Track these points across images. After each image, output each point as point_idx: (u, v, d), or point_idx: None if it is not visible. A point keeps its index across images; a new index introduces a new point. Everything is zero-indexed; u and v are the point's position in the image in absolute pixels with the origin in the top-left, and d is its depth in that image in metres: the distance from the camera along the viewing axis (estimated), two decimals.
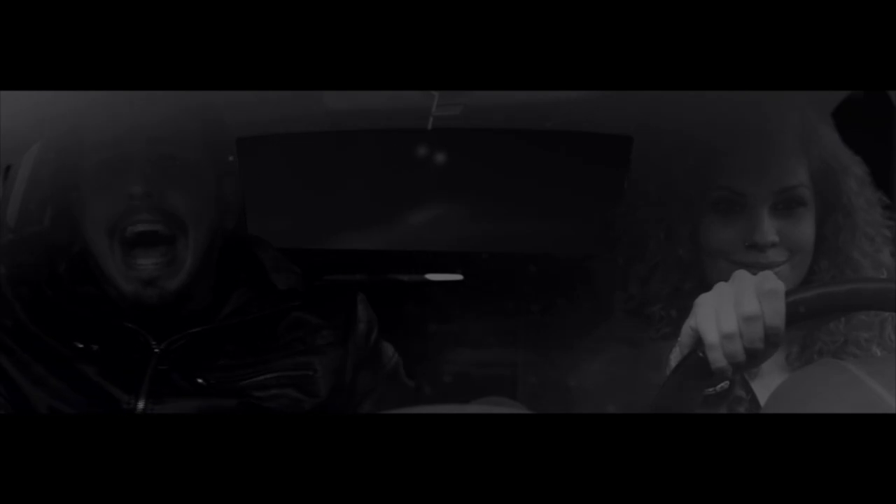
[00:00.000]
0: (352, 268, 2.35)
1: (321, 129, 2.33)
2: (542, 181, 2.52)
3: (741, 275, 1.14)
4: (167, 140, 1.49)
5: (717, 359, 1.10)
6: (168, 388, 1.48)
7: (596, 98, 1.93)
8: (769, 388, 1.09)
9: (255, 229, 1.82)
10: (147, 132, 1.48)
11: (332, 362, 1.55)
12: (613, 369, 1.39)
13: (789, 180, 1.43)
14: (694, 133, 1.47)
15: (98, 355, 1.50)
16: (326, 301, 1.60)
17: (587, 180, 2.38)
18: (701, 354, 1.11)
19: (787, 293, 1.11)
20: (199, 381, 1.49)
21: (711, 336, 1.10)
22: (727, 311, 1.10)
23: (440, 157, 2.53)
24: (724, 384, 1.15)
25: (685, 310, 1.17)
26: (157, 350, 1.50)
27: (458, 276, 2.38)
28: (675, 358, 1.16)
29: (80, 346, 1.50)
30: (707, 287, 1.16)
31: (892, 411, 0.86)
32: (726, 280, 1.14)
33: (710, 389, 1.15)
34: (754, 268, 1.23)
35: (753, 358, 1.11)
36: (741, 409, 1.36)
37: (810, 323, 1.32)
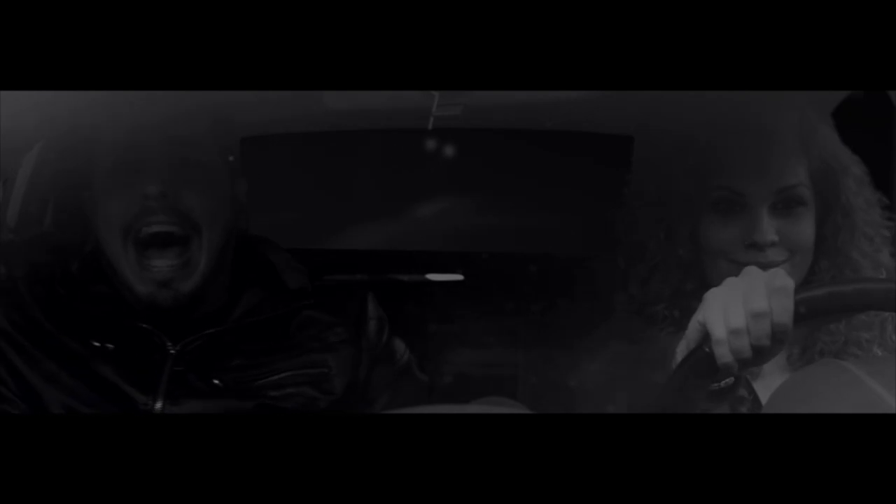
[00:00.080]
0: (352, 268, 2.35)
1: (321, 129, 2.33)
2: (542, 181, 2.51)
3: (751, 271, 1.14)
4: (182, 140, 1.50)
5: (723, 354, 1.09)
6: (185, 388, 1.48)
7: (596, 98, 1.93)
8: (771, 388, 1.09)
9: (255, 229, 1.82)
10: (161, 132, 1.48)
11: (346, 359, 1.56)
12: (614, 369, 1.39)
13: (789, 179, 1.43)
14: (694, 133, 1.47)
15: (113, 355, 1.50)
16: (337, 299, 1.61)
17: (587, 180, 2.38)
18: (707, 350, 1.11)
19: (796, 291, 1.11)
20: (216, 381, 1.49)
21: (719, 331, 1.10)
22: (736, 307, 1.10)
23: (440, 158, 2.53)
24: (729, 380, 1.15)
25: (688, 310, 1.17)
26: (172, 351, 1.50)
27: (458, 276, 2.38)
28: (681, 352, 1.16)
29: (97, 344, 1.50)
30: (708, 287, 1.16)
31: (892, 411, 0.86)
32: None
33: (715, 385, 1.15)
34: None
35: (760, 355, 1.10)
36: (743, 409, 1.36)
37: (813, 323, 1.32)
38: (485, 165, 2.56)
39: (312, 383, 1.53)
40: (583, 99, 1.94)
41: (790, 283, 1.11)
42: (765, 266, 1.22)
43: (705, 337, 1.11)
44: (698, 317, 1.13)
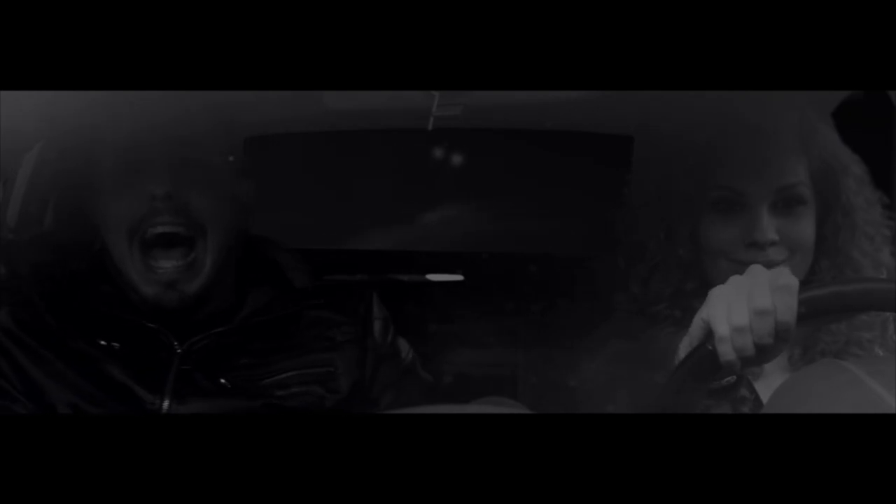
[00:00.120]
0: (352, 268, 2.35)
1: (321, 129, 2.33)
2: (542, 181, 2.52)
3: (756, 269, 1.14)
4: (186, 141, 1.49)
5: (726, 352, 1.09)
6: (192, 387, 1.48)
7: (596, 98, 1.93)
8: (772, 388, 1.08)
9: (255, 229, 1.82)
10: (165, 133, 1.48)
11: (352, 359, 1.56)
12: (614, 369, 1.39)
13: (789, 178, 1.43)
14: (694, 133, 1.47)
15: (120, 353, 1.50)
16: (343, 299, 1.61)
17: (587, 180, 2.38)
18: (710, 347, 1.11)
19: (800, 290, 1.11)
20: (223, 381, 1.49)
21: (722, 328, 1.10)
22: (740, 305, 1.10)
23: (440, 158, 2.53)
24: (731, 378, 1.15)
25: (688, 309, 1.17)
26: (179, 350, 1.50)
27: (458, 277, 2.38)
28: (684, 349, 1.16)
29: (103, 343, 1.50)
30: (709, 286, 1.16)
31: (892, 411, 0.86)
32: (727, 279, 1.14)
33: (717, 383, 1.15)
34: None
35: (762, 353, 1.10)
36: (745, 409, 1.36)
37: (814, 323, 1.32)
38: (485, 165, 2.57)
39: (319, 382, 1.53)
40: (583, 99, 1.95)
41: (794, 282, 1.11)
42: (765, 265, 1.22)
43: (708, 334, 1.11)
44: (702, 314, 1.13)
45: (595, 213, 1.67)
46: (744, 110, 1.43)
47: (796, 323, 1.10)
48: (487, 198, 2.61)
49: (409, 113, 2.02)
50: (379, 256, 2.49)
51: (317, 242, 2.38)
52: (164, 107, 1.43)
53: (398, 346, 1.63)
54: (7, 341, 1.50)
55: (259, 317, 1.56)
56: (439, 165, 2.57)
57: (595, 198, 1.87)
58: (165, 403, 1.47)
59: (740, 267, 1.19)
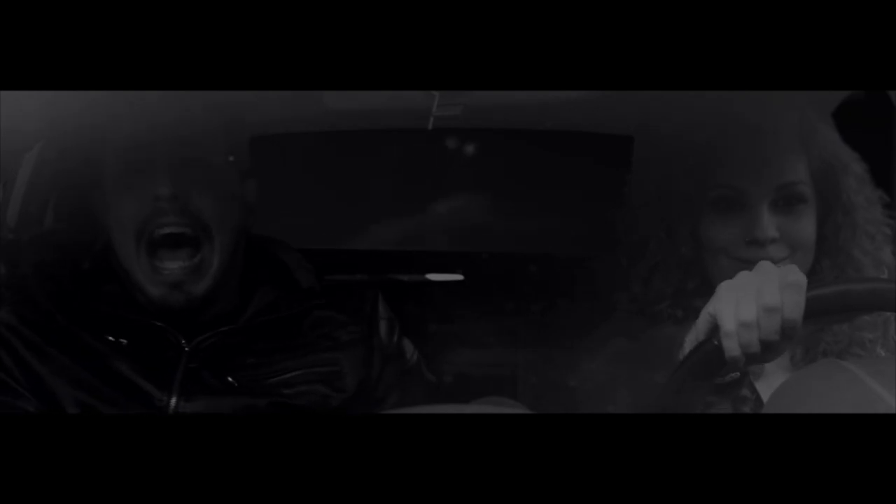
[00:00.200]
0: (352, 268, 2.35)
1: (321, 129, 2.33)
2: (542, 181, 2.52)
3: (766, 265, 1.14)
4: (192, 141, 1.49)
5: (731, 347, 1.09)
6: (199, 385, 1.48)
7: (596, 98, 1.93)
8: (773, 388, 1.09)
9: (256, 229, 1.82)
10: (170, 133, 1.47)
11: (358, 358, 1.56)
12: (614, 369, 1.39)
13: (789, 176, 1.43)
14: (694, 133, 1.47)
15: (127, 351, 1.50)
16: (348, 299, 1.62)
17: (587, 180, 2.38)
18: (716, 342, 1.11)
19: (808, 288, 1.11)
20: (229, 379, 1.50)
21: (729, 324, 1.10)
22: (748, 301, 1.10)
23: (440, 158, 2.53)
24: (735, 374, 1.15)
25: (690, 309, 1.17)
26: (186, 348, 1.50)
27: (458, 276, 2.38)
28: (689, 343, 1.16)
29: (111, 339, 1.50)
30: (710, 285, 1.16)
31: (892, 411, 0.86)
32: (728, 278, 1.14)
33: (720, 379, 1.14)
34: (755, 264, 1.22)
35: (768, 350, 1.10)
36: (746, 409, 1.36)
37: (818, 322, 1.32)
38: (485, 165, 2.57)
39: (324, 381, 1.53)
40: (583, 99, 1.95)
41: (803, 280, 1.11)
42: None
43: (715, 329, 1.11)
44: (709, 308, 1.13)
45: (595, 213, 1.67)
46: (744, 110, 1.43)
47: (804, 320, 1.10)
48: (488, 197, 2.62)
49: (409, 113, 2.02)
50: (378, 256, 2.49)
51: (316, 242, 2.38)
52: (164, 107, 1.43)
53: (403, 346, 1.64)
54: (11, 337, 1.50)
55: (265, 316, 1.56)
56: (439, 165, 2.57)
57: (595, 198, 1.87)
58: (173, 400, 1.46)
59: (741, 264, 1.19)
